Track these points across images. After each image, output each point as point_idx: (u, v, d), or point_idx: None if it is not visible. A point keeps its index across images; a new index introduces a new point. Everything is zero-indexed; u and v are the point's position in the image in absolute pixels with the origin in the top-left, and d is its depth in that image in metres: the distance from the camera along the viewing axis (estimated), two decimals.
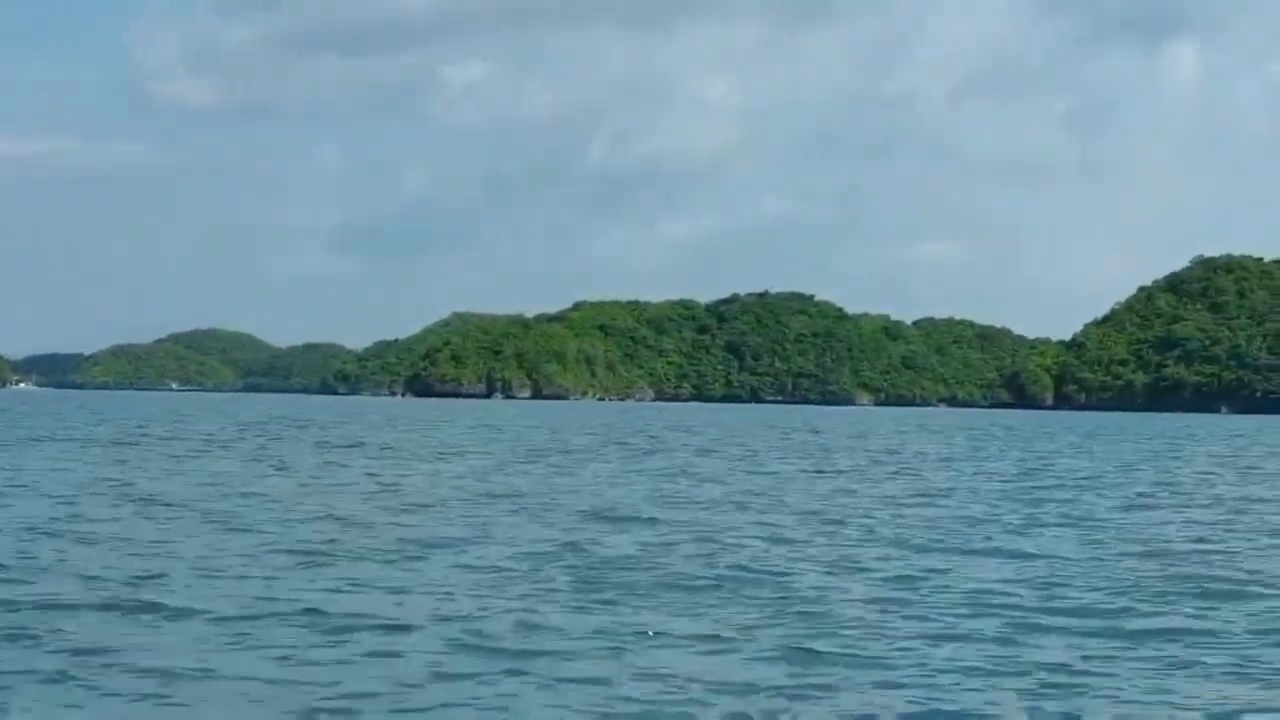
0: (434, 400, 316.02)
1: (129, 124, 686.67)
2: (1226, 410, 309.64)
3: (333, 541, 25.82)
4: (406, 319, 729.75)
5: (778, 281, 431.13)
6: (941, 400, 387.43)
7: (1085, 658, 16.26)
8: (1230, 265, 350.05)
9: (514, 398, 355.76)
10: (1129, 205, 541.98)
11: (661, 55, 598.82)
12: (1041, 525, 32.29)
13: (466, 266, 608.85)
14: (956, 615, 18.83)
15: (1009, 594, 20.78)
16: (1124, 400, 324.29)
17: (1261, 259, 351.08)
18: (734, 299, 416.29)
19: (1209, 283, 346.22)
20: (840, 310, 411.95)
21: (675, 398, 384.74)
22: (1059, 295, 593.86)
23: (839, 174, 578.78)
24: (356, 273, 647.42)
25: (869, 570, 23.44)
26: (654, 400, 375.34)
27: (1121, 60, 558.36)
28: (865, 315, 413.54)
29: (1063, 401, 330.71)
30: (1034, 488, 45.52)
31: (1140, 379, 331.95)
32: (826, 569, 23.46)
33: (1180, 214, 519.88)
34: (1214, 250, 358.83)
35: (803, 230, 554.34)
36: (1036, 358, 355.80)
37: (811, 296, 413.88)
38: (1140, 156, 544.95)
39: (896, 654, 16.25)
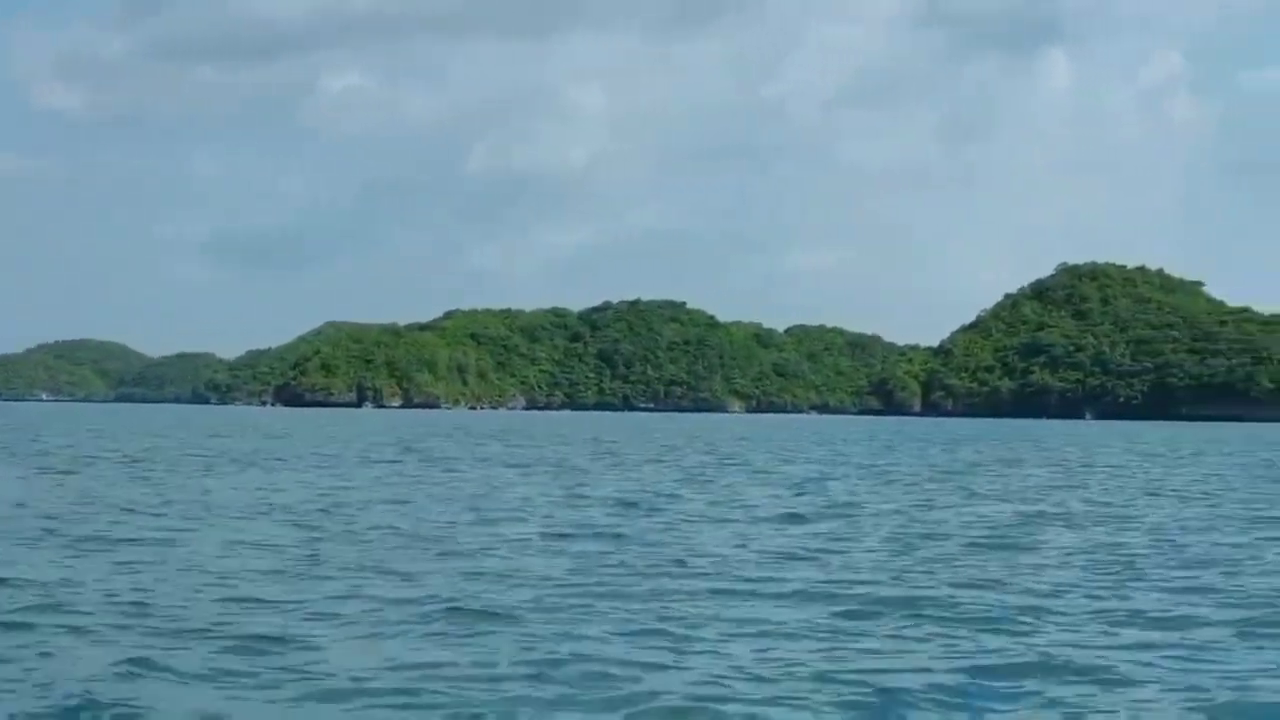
0: (300, 410, 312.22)
1: (1, 133, 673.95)
2: (1090, 415, 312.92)
3: None
4: (281, 328, 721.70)
5: (654, 290, 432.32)
6: (813, 407, 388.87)
7: None
8: (1094, 273, 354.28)
9: (385, 406, 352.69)
10: (1001, 213, 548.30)
11: (539, 65, 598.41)
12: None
13: (342, 276, 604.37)
14: None
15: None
16: (990, 406, 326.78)
17: (1124, 266, 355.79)
18: (606, 307, 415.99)
19: (1073, 290, 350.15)
20: (712, 318, 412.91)
21: (548, 406, 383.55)
22: (931, 303, 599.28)
23: (715, 183, 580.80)
24: (231, 282, 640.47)
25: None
26: (525, 409, 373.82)
27: (995, 70, 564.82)
28: (737, 323, 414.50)
29: (930, 408, 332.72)
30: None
31: (1006, 385, 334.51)
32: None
33: (1050, 222, 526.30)
34: (1080, 258, 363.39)
35: (678, 239, 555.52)
36: (905, 364, 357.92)
37: (683, 304, 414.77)
38: (1012, 165, 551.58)
39: None
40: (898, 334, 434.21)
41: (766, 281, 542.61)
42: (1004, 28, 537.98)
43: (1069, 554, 25.87)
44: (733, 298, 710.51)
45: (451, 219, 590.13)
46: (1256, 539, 29.72)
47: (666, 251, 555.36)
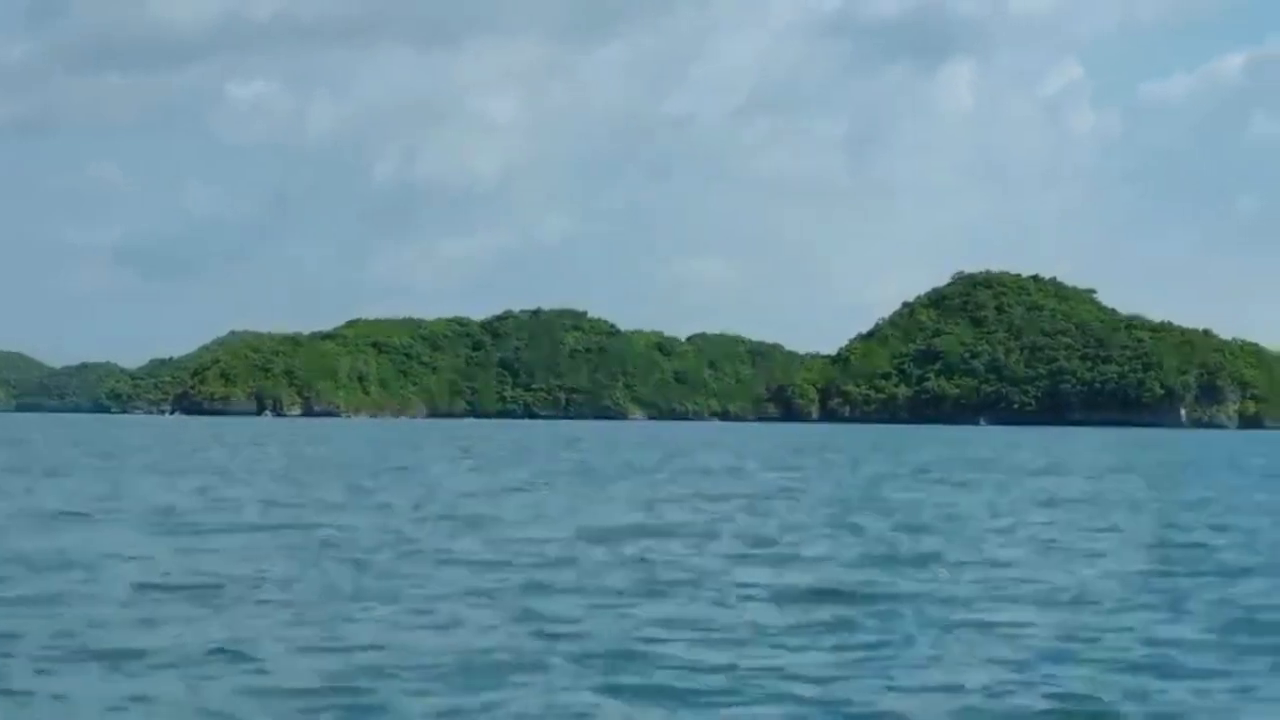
0: (197, 419, 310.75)
1: None
2: (985, 422, 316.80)
3: None
4: (185, 337, 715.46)
5: (559, 299, 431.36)
6: (714, 415, 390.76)
7: None
8: (989, 281, 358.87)
9: (284, 415, 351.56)
10: (904, 222, 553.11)
11: (446, 72, 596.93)
12: None
13: (248, 284, 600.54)
14: None
15: None
16: (887, 413, 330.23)
17: (1019, 275, 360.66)
18: (508, 316, 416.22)
19: (969, 298, 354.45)
20: (613, 326, 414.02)
21: (450, 414, 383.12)
22: (834, 311, 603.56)
23: (621, 192, 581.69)
24: (135, 290, 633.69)
25: None
26: (427, 417, 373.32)
27: (900, 80, 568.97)
28: (639, 331, 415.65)
29: (828, 415, 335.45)
30: None
31: (903, 392, 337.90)
32: None
33: (952, 231, 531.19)
34: (981, 266, 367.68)
35: (583, 247, 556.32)
36: (803, 372, 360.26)
37: (585, 313, 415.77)
38: (916, 174, 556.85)
39: None
40: (800, 342, 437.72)
41: (670, 290, 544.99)
42: (910, 38, 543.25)
43: None
44: (635, 306, 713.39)
45: (357, 227, 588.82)
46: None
47: (571, 260, 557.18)
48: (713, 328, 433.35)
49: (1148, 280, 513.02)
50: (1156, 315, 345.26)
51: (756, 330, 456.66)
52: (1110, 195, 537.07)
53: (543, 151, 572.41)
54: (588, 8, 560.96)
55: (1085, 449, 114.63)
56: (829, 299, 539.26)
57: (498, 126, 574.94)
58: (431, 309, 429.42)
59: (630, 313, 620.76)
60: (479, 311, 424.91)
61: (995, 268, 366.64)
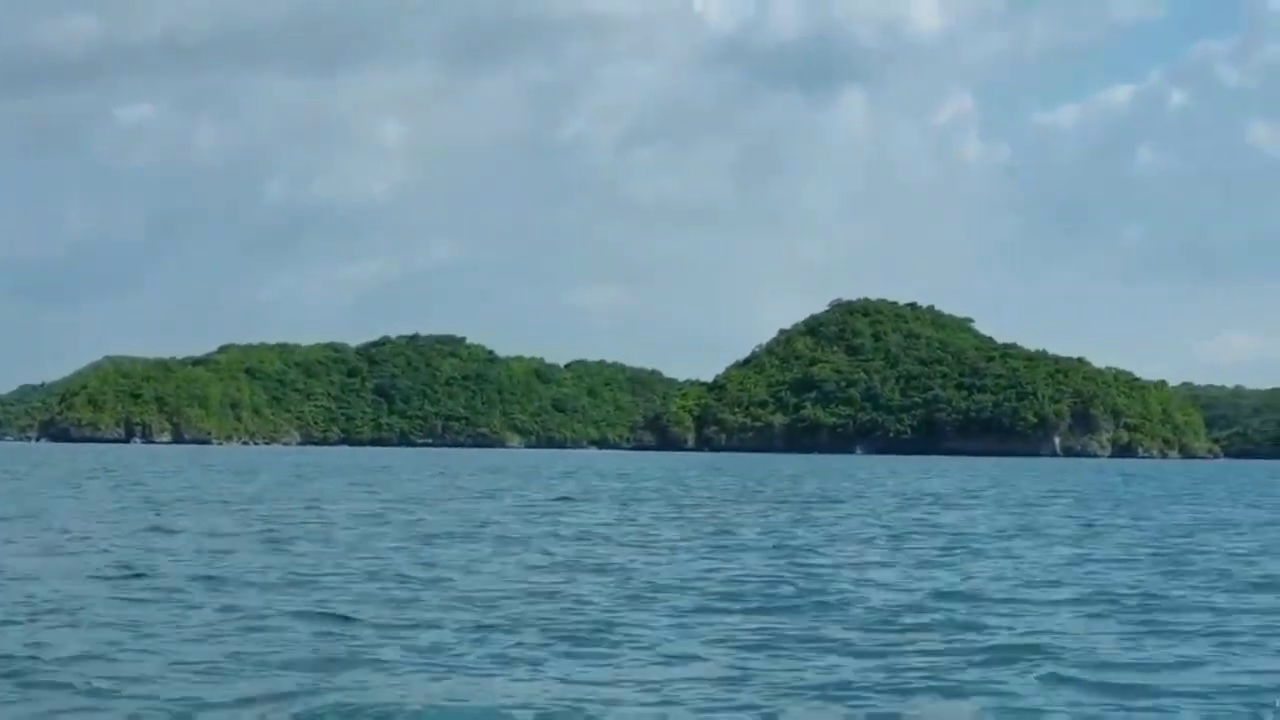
0: (62, 446, 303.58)
1: None
2: (861, 450, 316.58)
3: None
4: (60, 364, 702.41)
5: (443, 325, 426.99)
6: (592, 442, 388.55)
7: None
8: (867, 309, 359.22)
9: (154, 442, 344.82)
10: (790, 251, 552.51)
11: (335, 97, 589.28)
12: None
13: (127, 310, 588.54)
14: None
15: None
16: (763, 441, 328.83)
17: (896, 303, 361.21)
18: (384, 342, 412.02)
19: (846, 326, 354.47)
20: (491, 353, 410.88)
21: (324, 441, 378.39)
22: (716, 339, 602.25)
23: (508, 219, 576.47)
24: (9, 315, 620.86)
25: None
26: (300, 444, 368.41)
27: (791, 108, 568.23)
28: (519, 358, 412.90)
29: (704, 443, 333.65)
30: None
31: (779, 420, 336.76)
32: None
33: (837, 259, 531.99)
34: (864, 294, 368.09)
35: (466, 274, 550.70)
36: (679, 400, 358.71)
37: (463, 339, 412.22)
38: (804, 203, 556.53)
39: None
40: (680, 370, 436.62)
41: (554, 317, 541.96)
42: (802, 66, 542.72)
43: None
44: (518, 333, 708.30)
45: (240, 252, 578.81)
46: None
47: (455, 287, 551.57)
48: (597, 355, 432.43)
49: (1030, 310, 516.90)
50: (1036, 345, 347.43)
51: (640, 358, 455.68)
52: (997, 225, 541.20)
53: (430, 178, 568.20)
54: (477, 34, 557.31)
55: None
56: (713, 327, 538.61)
57: (384, 151, 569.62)
58: (313, 335, 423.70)
59: (512, 340, 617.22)
60: (360, 338, 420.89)
61: (874, 296, 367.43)
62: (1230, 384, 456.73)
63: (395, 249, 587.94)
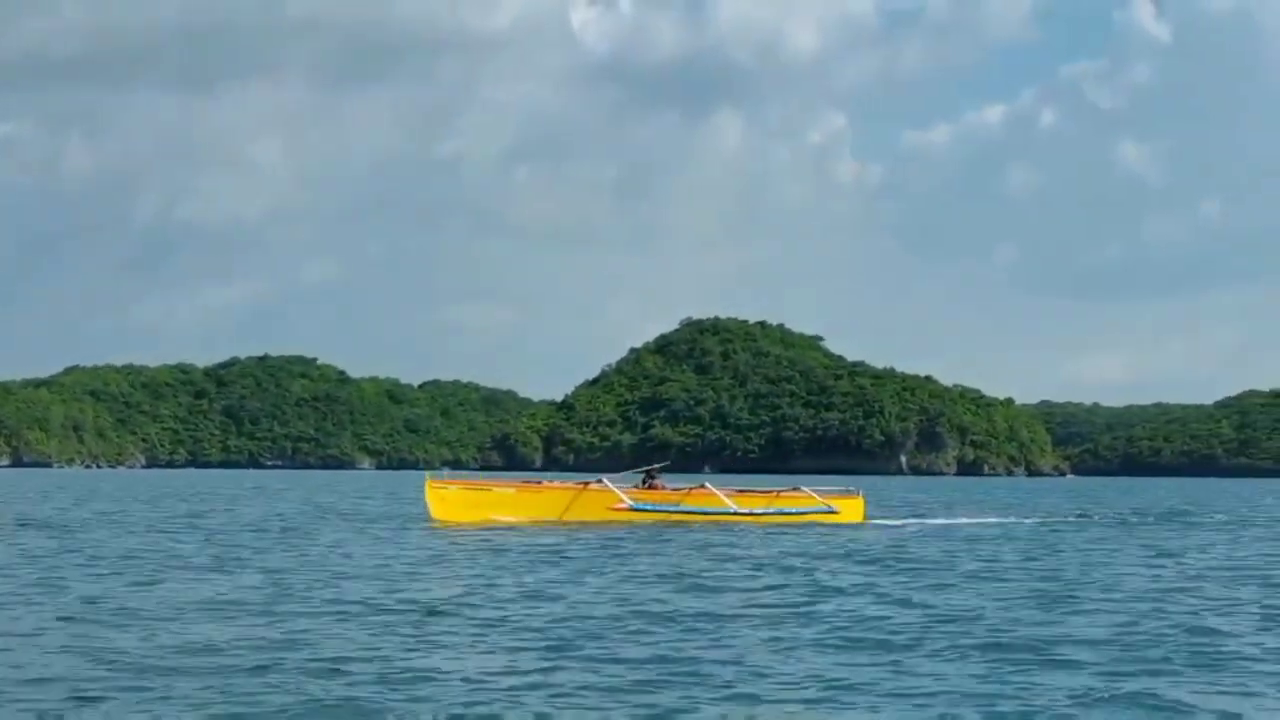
0: None
1: None
2: (710, 470, 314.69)
3: None
4: None
5: (309, 347, 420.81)
6: (445, 463, 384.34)
7: None
8: (716, 327, 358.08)
9: None
10: (659, 270, 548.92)
11: (209, 116, 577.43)
12: None
13: None
14: None
15: None
16: (611, 461, 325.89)
17: (746, 321, 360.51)
18: (233, 363, 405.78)
19: (695, 344, 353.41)
20: (343, 373, 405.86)
21: (170, 464, 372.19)
22: (575, 359, 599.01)
23: (383, 239, 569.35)
24: None
25: None
26: (146, 467, 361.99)
27: (667, 129, 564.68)
28: (372, 379, 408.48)
29: (552, 463, 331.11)
30: None
31: (627, 439, 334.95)
32: None
33: (702, 279, 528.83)
34: (719, 313, 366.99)
35: (339, 295, 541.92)
36: (527, 419, 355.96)
37: (314, 359, 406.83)
38: (676, 222, 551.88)
39: None
40: (537, 390, 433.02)
41: (420, 338, 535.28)
42: (679, 86, 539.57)
43: None
44: (378, 354, 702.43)
45: (107, 275, 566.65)
46: None
47: (323, 308, 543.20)
48: (463, 376, 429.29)
49: (890, 330, 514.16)
50: (900, 366, 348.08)
51: (501, 378, 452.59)
52: (866, 243, 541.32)
53: (305, 197, 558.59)
54: (351, 52, 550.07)
55: None
56: (572, 346, 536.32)
57: (260, 171, 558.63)
58: (171, 356, 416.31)
59: (373, 361, 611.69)
60: (211, 358, 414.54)
61: (724, 314, 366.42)
62: (1089, 402, 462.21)
63: (268, 270, 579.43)
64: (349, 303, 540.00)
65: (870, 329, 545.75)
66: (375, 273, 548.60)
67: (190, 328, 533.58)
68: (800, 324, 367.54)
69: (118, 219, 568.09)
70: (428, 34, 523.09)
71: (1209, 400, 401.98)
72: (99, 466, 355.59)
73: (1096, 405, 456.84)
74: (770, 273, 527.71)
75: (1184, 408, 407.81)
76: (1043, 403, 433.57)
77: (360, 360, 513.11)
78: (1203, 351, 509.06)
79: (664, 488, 54.58)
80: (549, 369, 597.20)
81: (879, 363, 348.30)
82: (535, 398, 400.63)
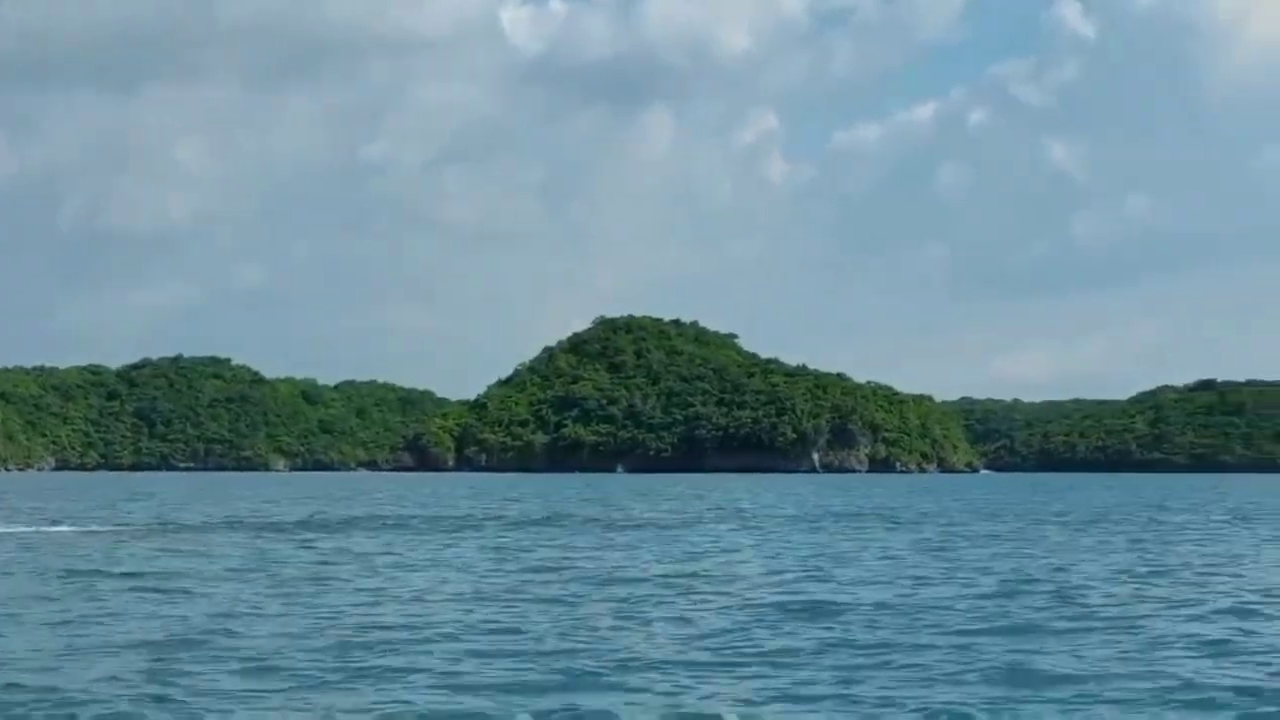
0: None
1: None
2: (623, 469, 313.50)
3: None
4: None
5: (227, 349, 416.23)
6: (360, 464, 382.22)
7: None
8: (629, 325, 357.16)
9: None
10: (586, 269, 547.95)
11: (133, 118, 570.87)
12: None
13: None
14: None
15: None
16: (524, 461, 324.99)
17: (660, 319, 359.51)
18: (145, 364, 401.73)
19: (609, 343, 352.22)
20: (257, 374, 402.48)
21: (81, 466, 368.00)
22: (493, 357, 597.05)
23: (308, 241, 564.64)
24: None
25: None
26: (56, 470, 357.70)
27: (596, 129, 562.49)
28: (288, 379, 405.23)
29: (465, 463, 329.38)
30: None
31: (540, 439, 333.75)
32: None
33: (628, 278, 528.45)
34: (636, 311, 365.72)
35: (265, 297, 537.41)
36: (439, 420, 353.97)
37: (228, 360, 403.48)
38: (604, 222, 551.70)
39: None
40: (454, 390, 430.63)
41: (342, 339, 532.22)
42: (609, 86, 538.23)
43: None
44: (295, 356, 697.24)
45: (32, 275, 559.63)
46: None
47: (249, 310, 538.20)
48: (383, 376, 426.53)
49: (809, 328, 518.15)
50: (793, 358, 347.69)
51: (419, 378, 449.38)
52: (796, 243, 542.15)
53: (233, 199, 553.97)
54: (279, 55, 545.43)
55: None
56: (493, 345, 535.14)
57: (186, 173, 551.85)
58: (88, 359, 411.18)
59: (288, 362, 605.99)
60: (127, 359, 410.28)
61: (644, 313, 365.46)
62: (1010, 398, 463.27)
63: (193, 272, 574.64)
64: (272, 305, 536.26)
65: (791, 328, 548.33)
66: (301, 275, 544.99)
67: (113, 331, 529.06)
68: (718, 323, 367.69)
69: (41, 223, 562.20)
70: (357, 36, 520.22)
71: (1125, 396, 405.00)
72: (6, 469, 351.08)
73: (1017, 402, 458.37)
74: (692, 272, 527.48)
75: (1100, 404, 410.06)
76: (964, 399, 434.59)
77: (279, 362, 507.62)
78: (1123, 348, 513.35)
79: None
80: (469, 369, 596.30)
81: (795, 361, 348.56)
82: (453, 398, 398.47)
